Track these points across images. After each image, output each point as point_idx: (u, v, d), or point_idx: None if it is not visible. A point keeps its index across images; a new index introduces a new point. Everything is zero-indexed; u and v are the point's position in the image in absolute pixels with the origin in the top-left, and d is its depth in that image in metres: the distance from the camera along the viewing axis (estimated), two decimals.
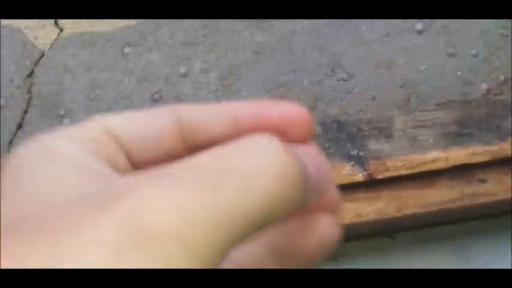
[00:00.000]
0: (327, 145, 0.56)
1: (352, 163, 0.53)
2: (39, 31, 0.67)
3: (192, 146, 0.16)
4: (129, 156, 0.15)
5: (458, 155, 0.50)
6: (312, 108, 0.60)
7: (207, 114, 0.16)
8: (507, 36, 0.67)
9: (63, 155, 0.12)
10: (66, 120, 0.60)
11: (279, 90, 0.63)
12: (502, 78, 0.62)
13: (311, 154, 0.16)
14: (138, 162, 0.15)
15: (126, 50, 0.66)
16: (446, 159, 0.50)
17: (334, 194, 0.18)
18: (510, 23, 0.66)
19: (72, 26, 0.67)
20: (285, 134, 0.16)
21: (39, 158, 0.12)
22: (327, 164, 0.17)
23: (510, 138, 0.50)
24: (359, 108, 0.60)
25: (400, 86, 0.62)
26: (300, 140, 0.17)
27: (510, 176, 0.50)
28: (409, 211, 0.49)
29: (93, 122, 0.15)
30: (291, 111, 0.17)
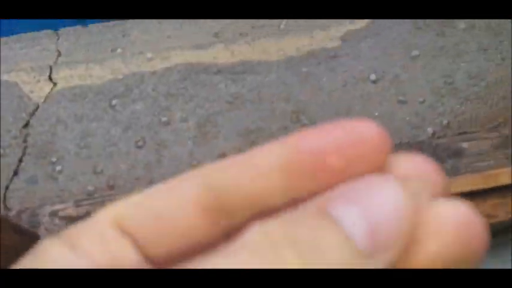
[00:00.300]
0: None
1: None
2: (35, 85, 0.74)
3: (221, 213, 0.12)
4: (144, 247, 0.12)
5: None
6: None
7: (235, 170, 0.13)
8: (451, 83, 0.76)
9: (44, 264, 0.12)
10: (58, 167, 0.67)
11: (250, 136, 0.71)
12: (445, 122, 0.71)
13: (378, 200, 0.12)
14: (158, 251, 0.12)
15: (114, 101, 0.73)
16: None
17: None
18: (454, 72, 0.76)
19: (65, 80, 0.75)
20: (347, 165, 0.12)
21: (30, 264, 0.12)
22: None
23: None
24: None
25: None
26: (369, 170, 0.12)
27: None
28: None
29: (102, 215, 0.12)
30: (347, 137, 0.12)
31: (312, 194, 0.12)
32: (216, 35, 0.80)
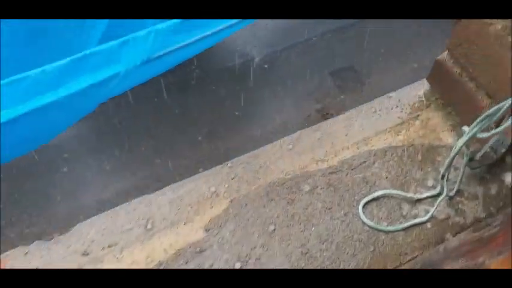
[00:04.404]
0: None
1: None
2: None
3: None
4: None
5: None
6: None
7: None
8: (306, 253, 0.85)
9: None
10: None
11: None
12: None
13: None
14: None
15: None
16: None
17: None
18: (307, 239, 0.85)
19: None
20: None
21: None
22: None
23: None
24: None
25: None
26: None
27: None
28: None
29: None
30: None
31: None
32: (84, 253, 0.82)
